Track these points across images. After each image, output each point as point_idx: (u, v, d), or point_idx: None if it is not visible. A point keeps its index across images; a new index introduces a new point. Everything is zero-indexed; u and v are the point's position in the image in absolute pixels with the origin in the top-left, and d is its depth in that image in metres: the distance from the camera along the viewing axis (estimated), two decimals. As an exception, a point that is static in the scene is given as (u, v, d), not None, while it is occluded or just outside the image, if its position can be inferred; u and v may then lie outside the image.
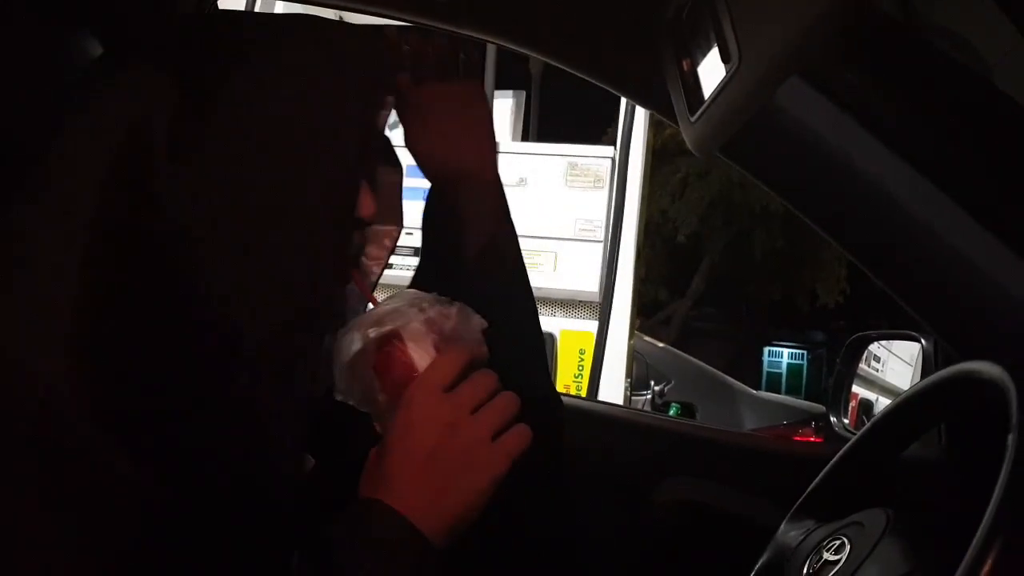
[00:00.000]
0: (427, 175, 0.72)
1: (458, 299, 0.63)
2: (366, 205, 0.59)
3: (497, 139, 0.73)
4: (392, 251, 0.73)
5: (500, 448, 0.54)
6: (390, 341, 0.55)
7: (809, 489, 0.77)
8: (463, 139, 0.70)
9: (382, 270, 0.72)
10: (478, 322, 0.58)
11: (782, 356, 12.44)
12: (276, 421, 0.50)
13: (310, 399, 0.54)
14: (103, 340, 0.46)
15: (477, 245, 0.70)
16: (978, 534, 0.44)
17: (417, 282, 0.74)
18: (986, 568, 0.42)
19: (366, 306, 0.64)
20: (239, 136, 0.49)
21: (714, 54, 0.63)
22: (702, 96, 0.66)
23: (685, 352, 5.16)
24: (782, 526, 0.77)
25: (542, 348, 0.76)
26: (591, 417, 1.18)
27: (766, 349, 12.42)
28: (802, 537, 0.72)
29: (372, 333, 0.56)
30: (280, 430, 0.51)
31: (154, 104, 0.48)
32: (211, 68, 0.50)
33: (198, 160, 0.48)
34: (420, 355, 0.55)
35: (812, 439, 3.76)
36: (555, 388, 0.82)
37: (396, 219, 0.72)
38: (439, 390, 0.54)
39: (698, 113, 0.67)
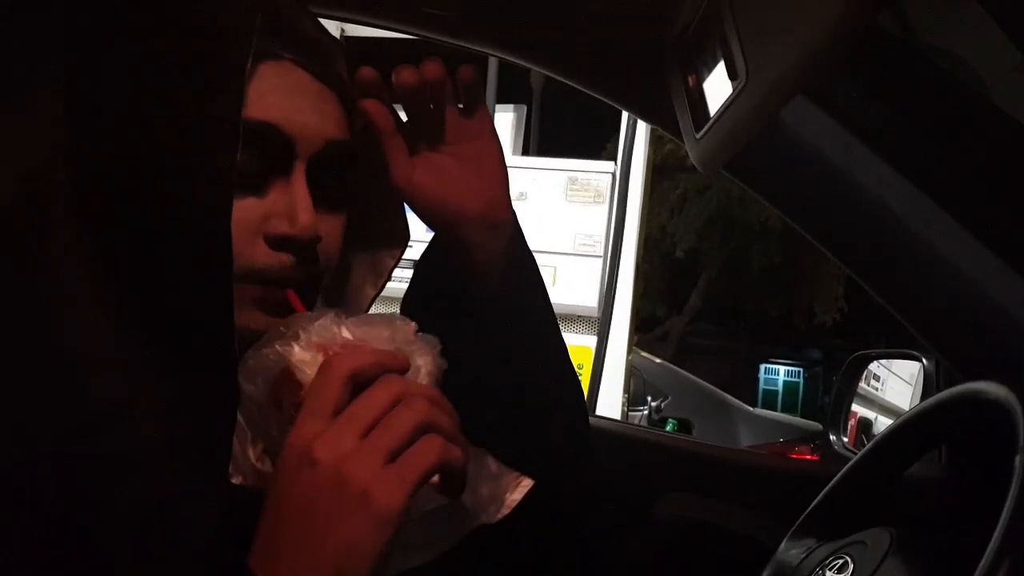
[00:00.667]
0: (429, 219, 0.63)
1: (469, 339, 0.58)
2: (294, 219, 0.53)
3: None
4: (387, 275, 0.68)
5: (393, 474, 0.43)
6: (279, 362, 0.48)
7: (811, 507, 0.77)
8: (471, 180, 0.61)
9: (372, 297, 0.67)
10: (409, 331, 0.51)
11: (778, 373, 12.44)
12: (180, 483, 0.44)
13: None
14: None
15: (490, 286, 0.63)
16: (987, 555, 0.43)
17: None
18: (994, 590, 0.42)
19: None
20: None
21: (720, 71, 0.63)
22: (708, 113, 0.67)
23: (682, 368, 5.16)
24: (783, 544, 0.77)
25: (572, 372, 0.69)
26: (592, 432, 1.17)
27: (762, 366, 12.43)
28: (804, 555, 0.72)
29: (265, 352, 0.49)
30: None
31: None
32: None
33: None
34: (310, 372, 0.47)
35: (809, 456, 3.75)
36: (586, 413, 0.74)
37: (397, 238, 0.67)
38: (323, 416, 0.45)
39: (704, 130, 0.67)
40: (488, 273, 0.62)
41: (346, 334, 0.50)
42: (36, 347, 0.43)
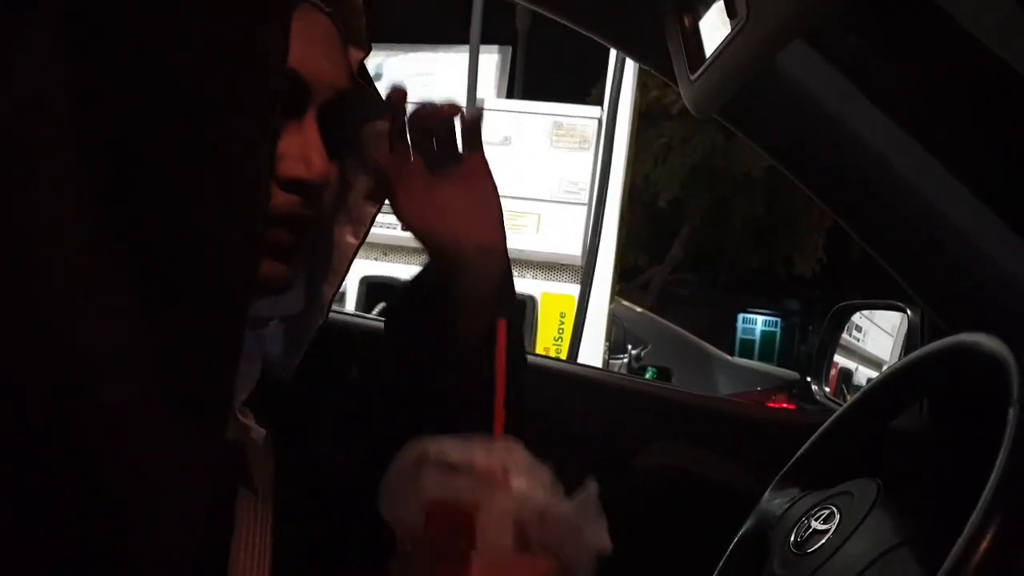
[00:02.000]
0: (436, 254, 0.65)
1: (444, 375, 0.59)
2: (310, 162, 0.54)
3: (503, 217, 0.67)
4: (368, 223, 0.67)
5: None
6: (458, 505, 0.45)
7: (796, 457, 0.77)
8: (472, 218, 0.64)
9: (351, 252, 0.66)
10: (596, 535, 0.48)
11: (756, 323, 12.58)
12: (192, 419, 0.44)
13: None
14: None
15: (475, 327, 0.64)
16: (979, 506, 0.43)
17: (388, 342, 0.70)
18: (986, 542, 0.42)
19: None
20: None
21: (719, 9, 0.61)
22: (704, 53, 0.64)
23: (662, 317, 5.20)
24: (767, 494, 0.77)
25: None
26: (570, 380, 1.17)
27: (741, 316, 12.56)
28: (788, 505, 0.72)
29: (442, 483, 0.46)
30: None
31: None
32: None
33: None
34: (489, 539, 0.45)
35: (786, 405, 3.81)
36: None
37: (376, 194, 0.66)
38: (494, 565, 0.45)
39: (699, 71, 0.65)
40: (476, 314, 0.64)
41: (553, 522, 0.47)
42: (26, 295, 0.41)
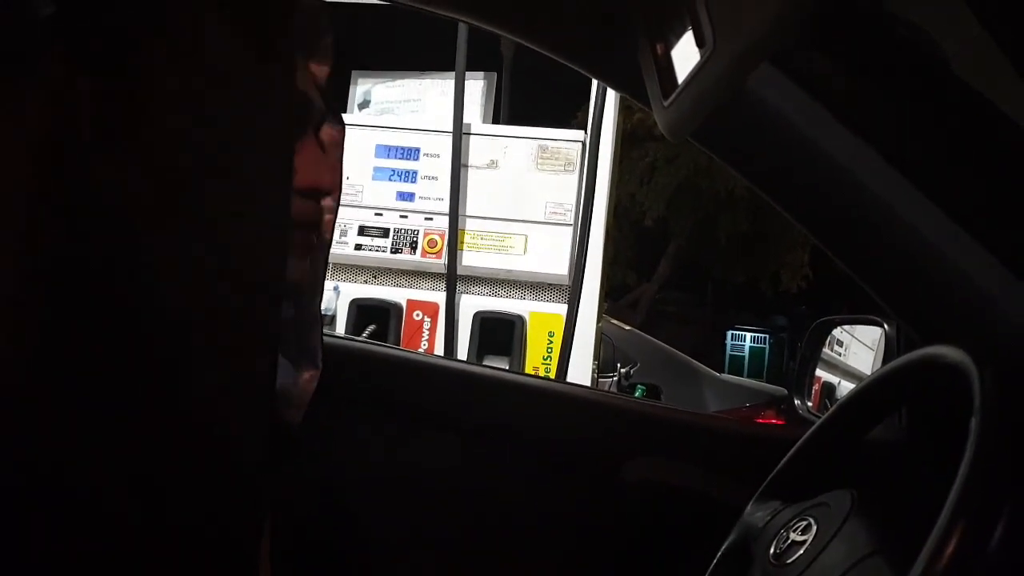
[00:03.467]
0: None
1: None
2: (305, 172, 0.58)
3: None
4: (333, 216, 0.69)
5: None
6: None
7: (775, 471, 0.79)
8: None
9: (320, 241, 0.68)
10: None
11: (745, 339, 12.62)
12: (236, 418, 0.47)
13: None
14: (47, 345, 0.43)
15: None
16: (943, 515, 0.45)
17: None
18: (950, 549, 0.43)
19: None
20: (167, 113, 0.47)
21: (688, 38, 0.63)
22: (676, 80, 0.66)
23: (651, 335, 5.22)
24: (749, 507, 0.79)
25: None
26: (560, 398, 1.18)
27: (729, 332, 12.60)
28: (769, 517, 0.73)
29: None
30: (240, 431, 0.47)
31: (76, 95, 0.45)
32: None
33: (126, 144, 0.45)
34: None
35: (775, 421, 3.83)
36: None
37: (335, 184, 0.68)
38: None
39: (671, 97, 0.67)
40: None
41: None
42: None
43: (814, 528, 0.63)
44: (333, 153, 0.65)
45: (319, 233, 0.63)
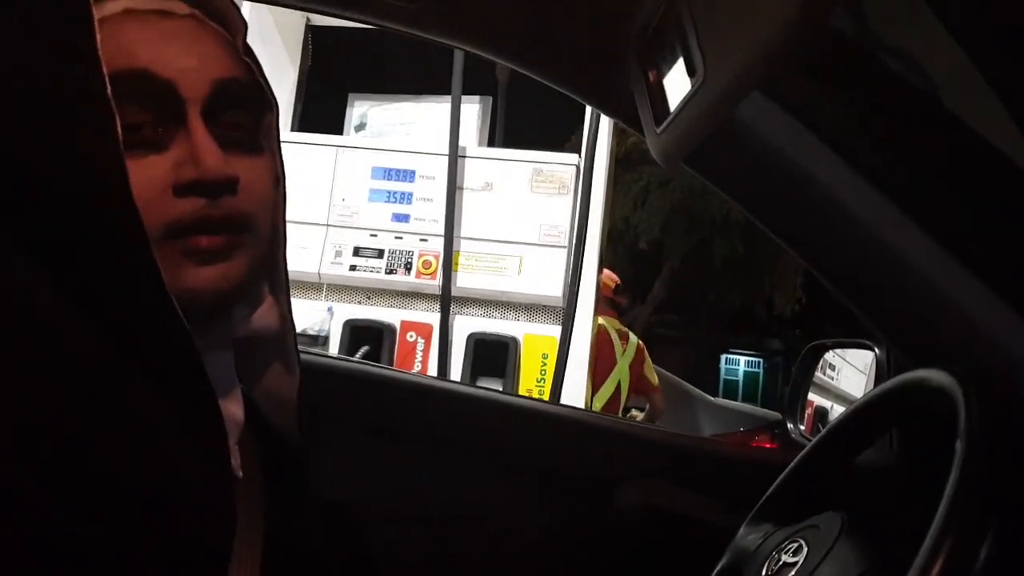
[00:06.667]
0: None
1: None
2: (198, 161, 0.52)
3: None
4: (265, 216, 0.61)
5: None
6: None
7: (767, 494, 0.79)
8: None
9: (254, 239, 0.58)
10: None
11: (739, 363, 12.63)
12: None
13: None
14: None
15: None
16: (929, 536, 0.46)
17: None
18: (936, 569, 0.44)
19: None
20: None
21: (680, 67, 0.65)
22: (668, 108, 0.68)
23: (646, 358, 5.21)
24: (741, 530, 0.79)
25: None
26: (554, 420, 1.19)
27: (723, 356, 12.61)
28: (761, 540, 0.74)
29: None
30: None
31: None
32: None
33: None
34: None
35: (769, 445, 3.83)
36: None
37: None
38: None
39: (664, 125, 0.69)
40: None
41: None
42: None
43: (805, 550, 0.63)
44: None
45: (252, 232, 0.56)
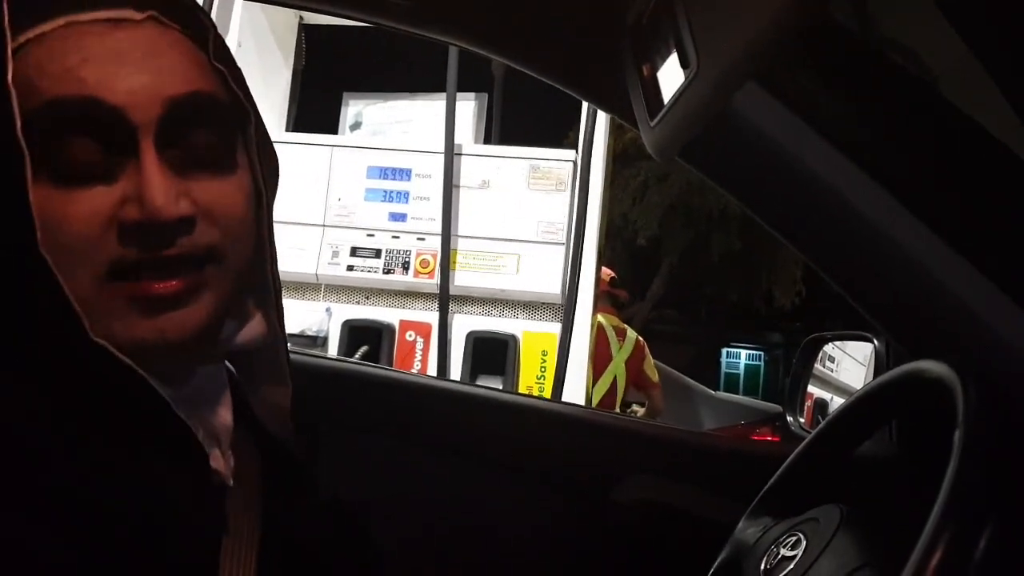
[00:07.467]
0: None
1: None
2: (143, 200, 0.47)
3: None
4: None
5: None
6: None
7: (766, 487, 0.79)
8: None
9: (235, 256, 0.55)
10: None
11: (740, 357, 12.64)
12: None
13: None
14: None
15: None
16: (927, 528, 0.45)
17: None
18: (935, 560, 0.44)
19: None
20: None
21: (673, 60, 0.64)
22: (662, 101, 0.68)
23: (646, 354, 5.21)
24: (740, 523, 0.79)
25: None
26: (554, 418, 1.18)
27: (724, 350, 12.62)
28: (760, 534, 0.74)
29: None
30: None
31: None
32: None
33: None
34: None
35: (770, 438, 3.83)
36: None
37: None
38: None
39: (658, 118, 0.69)
40: None
41: None
42: None
43: (804, 543, 0.63)
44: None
45: (219, 263, 0.53)
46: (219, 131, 0.53)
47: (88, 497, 0.45)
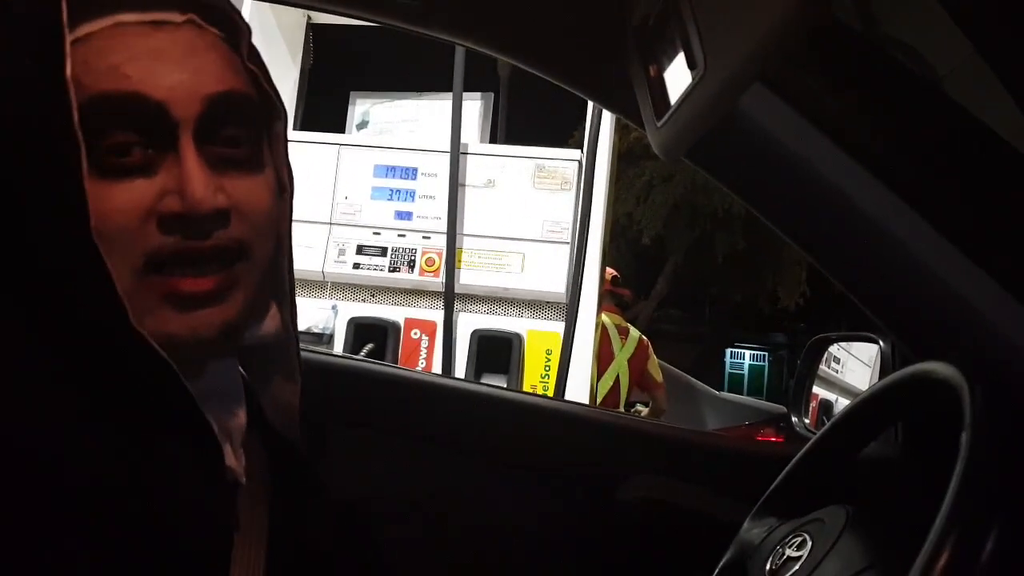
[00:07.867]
0: None
1: None
2: (184, 193, 0.49)
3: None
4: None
5: None
6: None
7: (771, 488, 0.79)
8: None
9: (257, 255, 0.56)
10: None
11: (744, 357, 12.62)
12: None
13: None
14: None
15: None
16: (934, 529, 0.45)
17: None
18: (942, 562, 0.44)
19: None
20: None
21: (680, 60, 0.64)
22: (668, 101, 0.68)
23: (650, 353, 5.21)
24: (745, 524, 0.79)
25: None
26: (558, 416, 1.18)
27: (728, 351, 12.61)
28: (765, 534, 0.74)
29: None
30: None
31: None
32: None
33: None
34: None
35: (774, 439, 3.82)
36: None
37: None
38: None
39: (664, 118, 0.69)
40: None
41: None
42: None
43: (809, 544, 0.63)
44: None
45: (248, 259, 0.54)
46: (250, 129, 0.55)
47: (110, 487, 0.45)
